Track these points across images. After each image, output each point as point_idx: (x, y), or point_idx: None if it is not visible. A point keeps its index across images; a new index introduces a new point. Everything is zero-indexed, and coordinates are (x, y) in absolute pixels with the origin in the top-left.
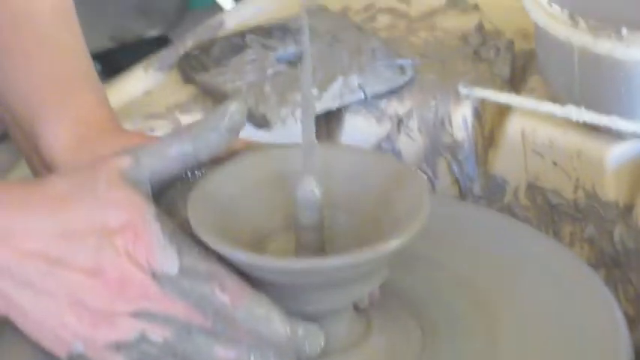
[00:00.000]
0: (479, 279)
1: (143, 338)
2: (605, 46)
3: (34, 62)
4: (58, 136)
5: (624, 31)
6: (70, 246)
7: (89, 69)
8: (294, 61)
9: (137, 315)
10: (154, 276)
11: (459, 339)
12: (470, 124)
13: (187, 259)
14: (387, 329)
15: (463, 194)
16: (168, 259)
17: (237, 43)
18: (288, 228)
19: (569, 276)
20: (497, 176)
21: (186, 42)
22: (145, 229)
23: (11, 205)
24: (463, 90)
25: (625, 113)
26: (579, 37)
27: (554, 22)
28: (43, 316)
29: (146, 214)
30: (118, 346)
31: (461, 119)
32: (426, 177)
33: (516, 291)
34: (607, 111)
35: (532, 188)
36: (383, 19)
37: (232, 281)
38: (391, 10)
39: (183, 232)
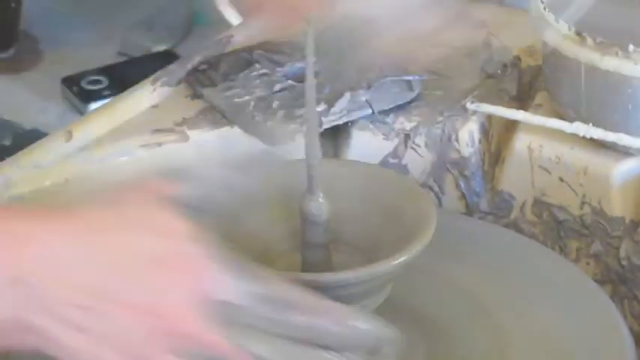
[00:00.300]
0: (486, 294)
1: None
2: (612, 62)
3: None
4: None
5: (631, 47)
6: (116, 280)
7: None
8: (302, 77)
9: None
10: (212, 308)
11: (466, 354)
12: (477, 140)
13: (252, 284)
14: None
15: (470, 210)
16: (232, 285)
17: (245, 58)
18: (294, 243)
19: (575, 292)
20: (504, 192)
21: (195, 57)
22: (197, 257)
23: (55, 232)
24: (471, 105)
25: (632, 130)
26: (586, 53)
27: (561, 38)
28: (79, 352)
29: (197, 241)
30: None
31: (468, 135)
32: (432, 193)
33: (523, 306)
34: (613, 128)
35: (538, 204)
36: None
37: (321, 300)
38: None
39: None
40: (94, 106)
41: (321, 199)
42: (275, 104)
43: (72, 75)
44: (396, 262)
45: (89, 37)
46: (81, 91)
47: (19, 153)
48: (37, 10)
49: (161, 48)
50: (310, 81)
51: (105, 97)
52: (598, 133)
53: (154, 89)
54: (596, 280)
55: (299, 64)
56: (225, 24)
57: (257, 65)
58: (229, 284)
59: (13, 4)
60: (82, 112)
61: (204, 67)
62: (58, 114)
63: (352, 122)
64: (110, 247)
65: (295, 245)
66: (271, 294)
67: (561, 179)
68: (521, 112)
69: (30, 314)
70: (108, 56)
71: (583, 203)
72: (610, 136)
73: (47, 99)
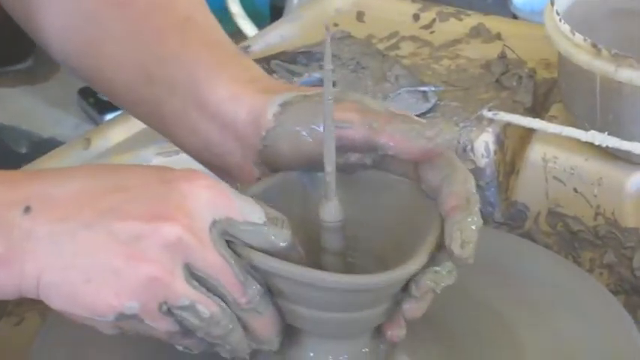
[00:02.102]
0: (501, 303)
1: (192, 307)
2: (626, 74)
3: (187, 37)
4: (224, 76)
5: None
6: (126, 196)
7: (232, 43)
8: (319, 87)
9: (190, 280)
10: (225, 230)
11: None
12: (492, 151)
13: (266, 208)
14: (411, 350)
15: (484, 220)
16: (250, 205)
17: (262, 68)
18: (311, 249)
19: (591, 302)
20: (519, 203)
21: None
22: (216, 180)
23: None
24: (488, 113)
25: None
26: (601, 65)
27: (576, 50)
28: (91, 272)
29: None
30: (169, 309)
31: (483, 146)
32: None
33: (538, 315)
34: (628, 139)
35: (553, 215)
36: (406, 47)
37: None
38: (414, 39)
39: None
40: (109, 116)
41: (337, 205)
42: None
43: (88, 86)
44: (414, 267)
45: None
46: (97, 102)
47: (38, 159)
48: None
49: None
50: (328, 90)
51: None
52: (613, 142)
53: None
54: (609, 291)
55: (316, 74)
56: (241, 35)
57: (274, 75)
58: (255, 207)
59: None
60: (97, 123)
61: None
62: (74, 124)
63: None
64: (127, 176)
65: (312, 251)
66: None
67: (575, 190)
68: (537, 120)
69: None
70: None
71: (597, 214)
72: (625, 145)
73: (63, 110)
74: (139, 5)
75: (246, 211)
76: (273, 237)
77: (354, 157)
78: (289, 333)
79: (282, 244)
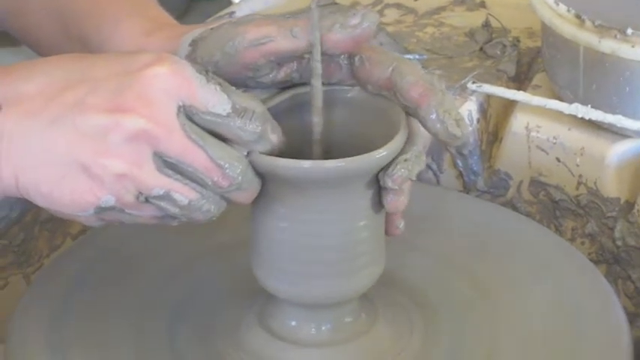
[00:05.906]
0: (482, 271)
1: (167, 196)
2: (610, 45)
3: None
4: (128, 29)
5: (629, 30)
6: (89, 87)
7: None
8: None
9: (162, 169)
10: (190, 117)
11: (461, 329)
12: (475, 120)
13: (236, 98)
14: (392, 318)
15: (467, 188)
16: (214, 96)
17: None
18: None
19: (570, 270)
20: (501, 171)
21: None
22: (182, 65)
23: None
24: (471, 86)
25: (628, 112)
26: (585, 36)
27: (560, 20)
28: (64, 169)
29: (178, 58)
30: (146, 199)
31: (466, 114)
32: (430, 171)
33: (518, 283)
34: (610, 110)
35: (535, 184)
36: (391, 14)
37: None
38: (399, 6)
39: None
40: None
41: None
42: None
43: None
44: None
45: None
46: None
47: None
48: None
49: None
50: (317, 57)
51: None
52: (596, 115)
53: None
54: (590, 260)
55: None
56: (227, 1)
57: None
58: (219, 95)
59: None
60: None
61: None
62: None
63: None
64: (93, 65)
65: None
66: (252, 108)
67: (558, 160)
68: (521, 92)
69: None
70: None
71: (579, 184)
72: (609, 118)
73: None
74: None
75: (211, 102)
76: (239, 130)
77: (282, 74)
78: (272, 303)
79: (248, 138)
